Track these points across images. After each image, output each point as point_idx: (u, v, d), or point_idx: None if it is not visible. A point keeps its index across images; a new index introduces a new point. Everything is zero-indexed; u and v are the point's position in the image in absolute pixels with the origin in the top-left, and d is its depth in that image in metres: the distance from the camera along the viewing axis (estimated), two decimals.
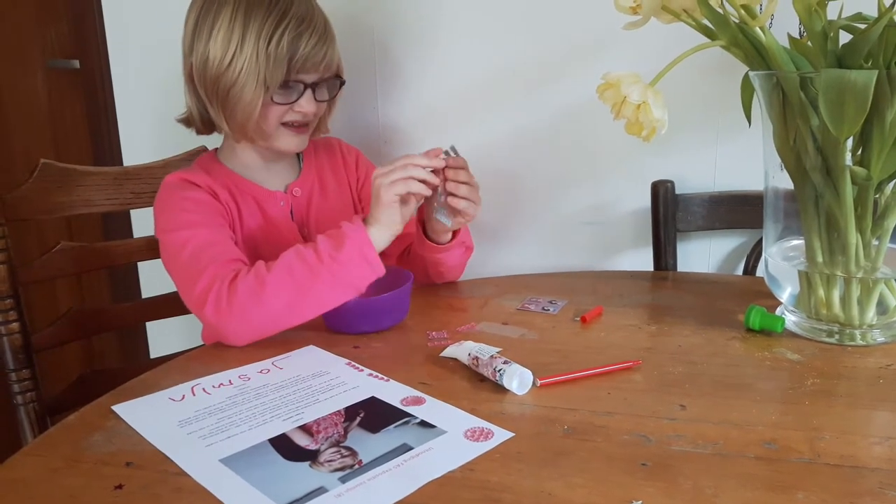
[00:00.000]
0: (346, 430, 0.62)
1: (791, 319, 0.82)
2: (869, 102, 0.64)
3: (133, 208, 1.08)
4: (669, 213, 1.12)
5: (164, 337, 1.45)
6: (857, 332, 0.78)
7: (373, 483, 0.53)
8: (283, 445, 0.59)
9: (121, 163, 1.39)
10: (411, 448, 0.58)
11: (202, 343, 0.93)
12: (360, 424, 0.63)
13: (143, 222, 1.33)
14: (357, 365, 0.75)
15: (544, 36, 1.13)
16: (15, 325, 0.94)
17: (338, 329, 0.85)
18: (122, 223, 1.45)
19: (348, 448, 0.59)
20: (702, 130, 1.11)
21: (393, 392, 0.68)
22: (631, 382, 0.70)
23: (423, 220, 0.95)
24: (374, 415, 0.64)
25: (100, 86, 1.60)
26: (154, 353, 1.50)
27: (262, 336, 0.81)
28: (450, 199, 0.87)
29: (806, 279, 0.80)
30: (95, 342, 1.76)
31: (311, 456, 0.58)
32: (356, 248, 0.81)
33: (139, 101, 1.37)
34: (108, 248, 1.07)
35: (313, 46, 0.91)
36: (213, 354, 0.80)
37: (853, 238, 0.75)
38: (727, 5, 0.73)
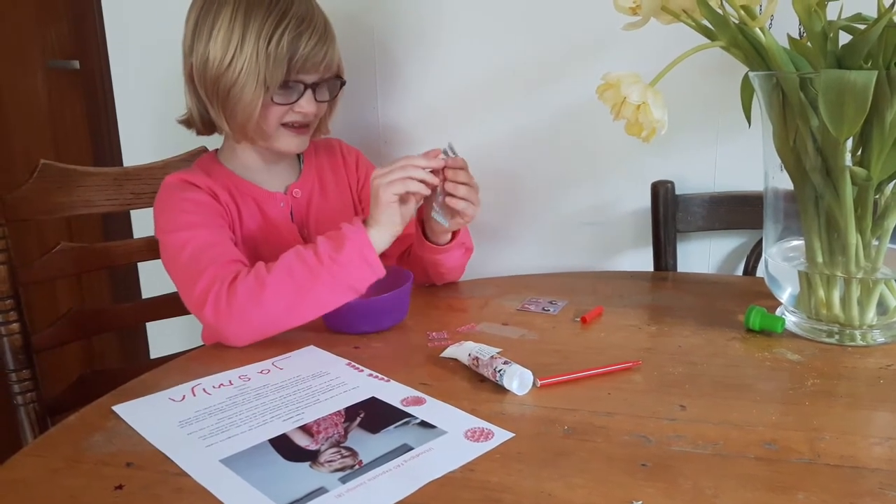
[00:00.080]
0: (346, 431, 0.62)
1: (791, 320, 0.82)
2: (868, 103, 0.64)
3: (133, 209, 1.08)
4: (669, 214, 1.12)
5: (164, 337, 1.45)
6: (858, 333, 0.78)
7: (373, 483, 0.53)
8: (284, 446, 0.59)
9: (121, 163, 1.39)
10: (411, 448, 0.58)
11: (202, 343, 0.93)
12: (361, 425, 0.63)
13: (143, 223, 1.33)
14: (357, 365, 0.75)
15: (544, 36, 1.14)
16: (15, 326, 0.94)
17: (338, 329, 0.85)
18: (122, 224, 1.45)
19: (348, 448, 0.59)
20: (702, 131, 1.11)
21: (393, 392, 0.69)
22: (631, 383, 0.70)
23: (422, 220, 0.95)
24: (375, 415, 0.64)
25: (100, 86, 1.60)
26: (154, 353, 1.50)
27: (262, 337, 0.81)
28: (448, 199, 0.87)
29: (806, 279, 0.80)
30: (96, 342, 1.76)
31: (311, 456, 0.58)
32: (356, 249, 0.81)
33: (139, 101, 1.37)
34: (108, 248, 1.07)
35: (313, 46, 0.91)
36: (214, 355, 0.80)
37: (853, 238, 0.75)
38: (727, 6, 0.73)
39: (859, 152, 0.74)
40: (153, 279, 1.39)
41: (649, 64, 0.78)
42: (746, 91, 0.85)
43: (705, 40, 0.77)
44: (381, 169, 0.86)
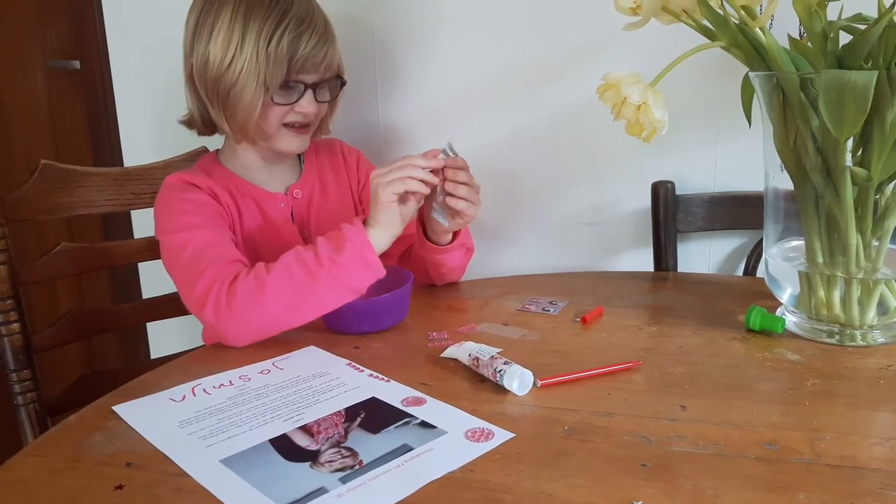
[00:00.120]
0: (346, 431, 0.62)
1: (791, 320, 0.82)
2: (869, 103, 0.64)
3: (133, 209, 1.08)
4: (670, 214, 1.12)
5: (164, 337, 1.45)
6: (858, 333, 0.78)
7: (373, 483, 0.53)
8: (284, 446, 0.59)
9: (121, 163, 1.39)
10: (412, 448, 0.58)
11: (203, 343, 0.93)
12: (361, 425, 0.63)
13: (143, 223, 1.33)
14: (357, 365, 0.75)
15: (544, 36, 1.14)
16: (15, 326, 0.94)
17: (338, 329, 0.85)
18: (122, 224, 1.45)
19: (349, 448, 0.59)
20: (702, 131, 1.11)
21: (393, 392, 0.68)
22: (631, 383, 0.70)
23: (423, 220, 0.95)
24: (375, 415, 0.64)
25: (100, 86, 1.60)
26: (154, 353, 1.50)
27: (262, 337, 0.81)
28: (448, 199, 0.87)
29: (806, 280, 0.80)
30: (96, 343, 1.76)
31: (311, 456, 0.58)
32: (356, 250, 0.81)
33: (139, 101, 1.37)
34: (108, 248, 1.07)
35: (313, 46, 0.90)
36: (214, 355, 0.80)
37: (853, 239, 0.75)
38: (727, 6, 0.73)
39: (860, 152, 0.74)
40: (153, 279, 1.39)
41: (649, 64, 0.78)
42: (747, 91, 0.85)
43: (705, 40, 0.77)
44: (380, 169, 0.85)
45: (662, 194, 1.12)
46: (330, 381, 0.71)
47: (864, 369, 0.72)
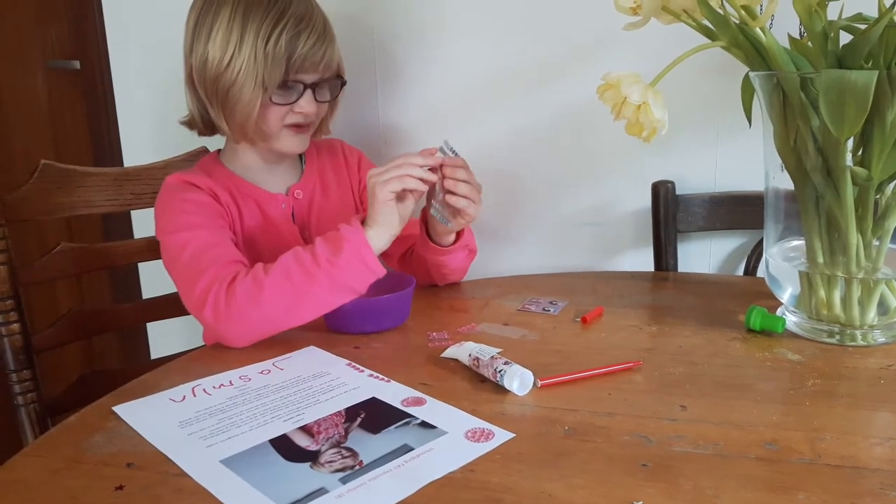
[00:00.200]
0: (346, 431, 0.62)
1: (792, 320, 0.82)
2: (869, 103, 0.64)
3: (133, 209, 1.08)
4: (670, 214, 1.12)
5: (164, 338, 1.45)
6: (858, 333, 0.78)
7: (373, 484, 0.53)
8: (284, 446, 0.59)
9: (121, 163, 1.39)
10: (412, 449, 0.58)
11: (203, 344, 0.93)
12: (361, 425, 0.63)
13: (143, 223, 1.33)
14: (357, 366, 0.75)
15: (544, 36, 1.14)
16: (15, 326, 0.94)
17: (338, 329, 0.85)
18: (122, 224, 1.45)
19: (349, 449, 0.59)
20: (702, 131, 1.11)
21: (393, 393, 0.68)
22: (631, 383, 0.70)
23: (426, 221, 0.95)
24: (375, 415, 0.64)
25: (100, 86, 1.60)
26: (155, 353, 1.50)
27: (261, 338, 0.81)
28: (449, 197, 0.86)
29: (807, 280, 0.80)
30: (96, 343, 1.76)
31: (311, 457, 0.58)
32: (354, 251, 0.81)
33: (139, 101, 1.37)
34: (108, 248, 1.07)
35: (312, 46, 0.90)
36: (214, 355, 0.80)
37: (854, 238, 0.75)
38: (727, 6, 0.73)
39: (860, 152, 0.74)
40: (153, 279, 1.39)
41: (649, 64, 0.78)
42: (747, 91, 0.85)
43: (706, 40, 0.77)
44: (376, 168, 0.85)
45: (663, 194, 1.12)
46: (330, 382, 0.71)
47: (864, 369, 0.72)
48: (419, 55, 1.20)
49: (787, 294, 0.82)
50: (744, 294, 0.94)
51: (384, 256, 0.90)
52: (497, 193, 1.18)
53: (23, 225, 0.97)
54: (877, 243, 0.76)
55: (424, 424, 0.62)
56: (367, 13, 1.20)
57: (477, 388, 0.69)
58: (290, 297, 0.80)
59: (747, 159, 1.01)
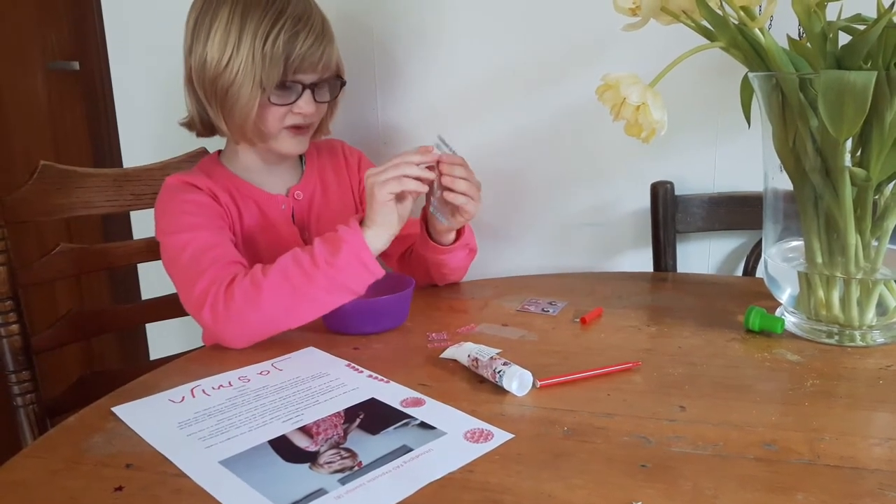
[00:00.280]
0: (345, 432, 0.62)
1: (791, 320, 0.82)
2: (868, 103, 0.64)
3: (133, 210, 1.08)
4: (669, 214, 1.12)
5: (163, 338, 1.45)
6: (857, 333, 0.78)
7: (372, 485, 0.53)
8: (283, 447, 0.59)
9: (120, 164, 1.39)
10: (411, 449, 0.58)
11: (202, 344, 0.93)
12: (360, 426, 0.63)
13: (142, 224, 1.33)
14: (357, 366, 0.75)
15: (544, 36, 1.14)
16: (15, 327, 0.94)
17: (337, 329, 0.85)
18: (121, 225, 1.45)
19: (348, 449, 0.59)
20: (701, 131, 1.11)
21: (393, 393, 0.68)
22: (631, 384, 0.70)
23: (426, 219, 0.95)
24: (374, 416, 0.64)
25: (100, 87, 1.60)
26: (154, 354, 1.50)
27: (260, 339, 0.81)
28: (447, 194, 0.86)
29: (805, 280, 0.80)
30: (95, 344, 1.76)
31: (310, 457, 0.58)
32: (353, 252, 0.81)
33: (139, 102, 1.37)
34: (107, 249, 1.07)
35: (310, 46, 0.90)
36: (213, 356, 0.80)
37: (852, 239, 0.75)
38: (726, 7, 0.73)
39: (859, 153, 0.74)
40: (153, 280, 1.39)
41: (649, 64, 0.78)
42: (746, 92, 0.85)
43: (705, 41, 0.77)
44: (374, 168, 0.85)
45: (662, 195, 1.12)
46: (329, 382, 0.71)
47: (863, 370, 0.72)
48: (419, 55, 1.20)
49: (785, 294, 0.82)
50: (743, 294, 0.94)
51: (383, 256, 0.90)
52: (496, 194, 1.18)
53: (22, 226, 0.97)
54: (875, 244, 0.76)
55: (423, 425, 0.62)
56: (367, 14, 1.20)
57: (476, 388, 0.69)
58: (289, 298, 0.80)
59: (746, 160, 1.01)
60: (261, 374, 0.74)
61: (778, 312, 0.84)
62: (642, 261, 1.18)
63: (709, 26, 0.76)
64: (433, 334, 0.83)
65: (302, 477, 0.55)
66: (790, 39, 0.80)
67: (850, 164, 0.73)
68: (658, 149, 1.00)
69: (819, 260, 0.78)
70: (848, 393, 0.67)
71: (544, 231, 1.22)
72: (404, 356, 0.78)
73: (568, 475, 0.54)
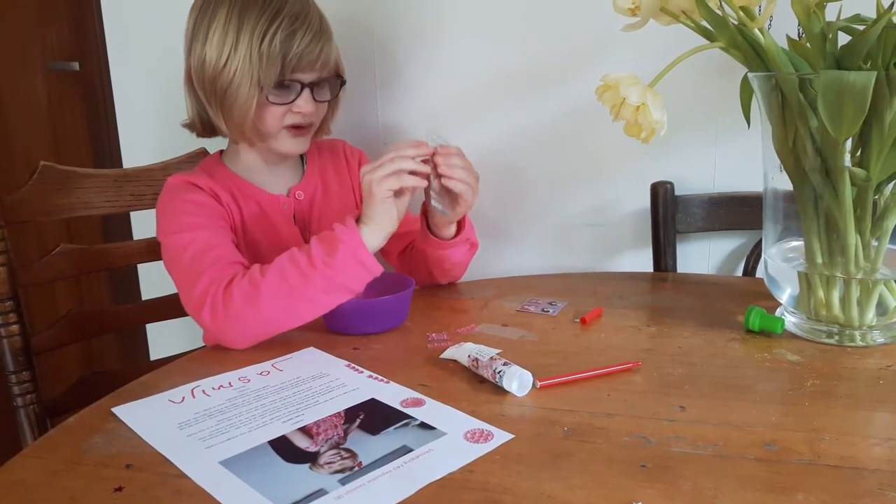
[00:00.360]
0: (345, 432, 0.62)
1: (791, 320, 0.82)
2: (868, 103, 0.64)
3: (133, 210, 1.08)
4: (669, 215, 1.12)
5: (164, 339, 1.45)
6: (857, 333, 0.78)
7: (373, 485, 0.53)
8: (283, 447, 0.59)
9: (120, 165, 1.39)
10: (411, 450, 0.58)
11: (202, 345, 0.93)
12: (360, 426, 0.63)
13: (142, 224, 1.33)
14: (357, 367, 0.75)
15: (544, 37, 1.14)
16: (15, 328, 0.94)
17: (337, 330, 0.85)
18: (121, 225, 1.45)
19: (348, 450, 0.59)
20: (701, 132, 1.11)
21: (393, 394, 0.68)
22: (631, 384, 0.70)
23: (426, 215, 0.94)
24: (374, 416, 0.64)
25: (99, 88, 1.60)
26: (154, 354, 1.50)
27: (260, 339, 0.81)
28: (446, 181, 0.85)
29: (805, 280, 0.80)
30: (95, 344, 1.76)
31: (310, 458, 0.58)
32: (350, 251, 0.81)
33: (139, 103, 1.37)
34: (107, 250, 1.07)
35: (308, 44, 0.90)
36: (213, 356, 0.80)
37: (852, 239, 0.75)
38: (726, 7, 0.74)
39: (858, 153, 0.74)
40: (153, 281, 1.39)
41: (649, 65, 0.78)
42: (745, 92, 0.85)
43: (705, 41, 0.77)
44: (370, 164, 0.84)
45: (662, 195, 1.12)
46: (329, 383, 0.71)
47: (863, 370, 0.72)
48: (419, 56, 1.20)
49: (785, 295, 0.82)
50: (743, 295, 0.94)
51: (383, 254, 0.90)
52: (496, 194, 1.18)
53: (22, 226, 0.97)
54: (875, 244, 0.76)
55: (424, 425, 0.62)
56: (367, 14, 1.20)
57: (476, 388, 0.69)
58: (287, 298, 0.80)
59: (746, 160, 1.01)
60: (261, 374, 0.74)
61: (778, 312, 0.84)
62: (642, 261, 1.18)
63: (708, 26, 0.76)
64: (433, 334, 0.83)
65: (302, 477, 0.55)
66: (790, 39, 0.80)
67: (849, 164, 0.73)
68: (658, 149, 1.01)
69: (819, 260, 0.78)
70: (848, 393, 0.67)
71: (544, 231, 1.22)
72: (404, 356, 0.78)
73: (568, 475, 0.54)
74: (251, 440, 0.61)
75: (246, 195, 0.97)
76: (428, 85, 1.21)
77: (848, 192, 0.73)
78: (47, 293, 1.72)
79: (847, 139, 0.70)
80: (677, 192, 1.13)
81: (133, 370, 0.88)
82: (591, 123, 1.13)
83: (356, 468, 0.56)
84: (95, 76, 1.61)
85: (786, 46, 0.78)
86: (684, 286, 1.04)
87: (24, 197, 0.96)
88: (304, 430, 0.62)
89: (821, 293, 0.79)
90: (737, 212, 1.12)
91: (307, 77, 0.93)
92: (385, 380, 0.72)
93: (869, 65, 0.70)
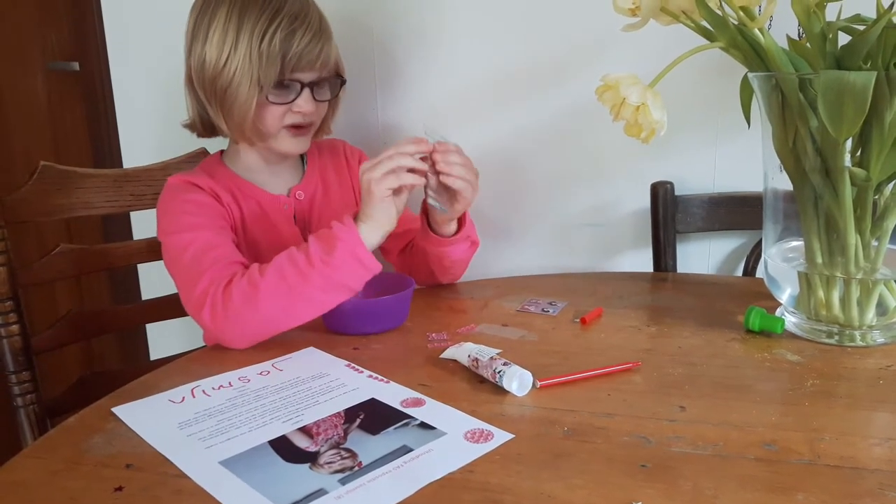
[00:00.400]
0: (345, 432, 0.62)
1: (791, 320, 0.82)
2: (868, 103, 0.64)
3: (133, 210, 1.08)
4: (669, 215, 1.12)
5: (164, 339, 1.45)
6: (857, 333, 0.78)
7: (373, 485, 0.53)
8: (283, 447, 0.59)
9: (120, 165, 1.39)
10: (411, 450, 0.58)
11: (202, 345, 0.93)
12: (360, 426, 0.63)
13: (142, 224, 1.33)
14: (357, 366, 0.75)
15: (544, 37, 1.14)
16: (15, 328, 0.94)
17: (337, 330, 0.85)
18: (121, 225, 1.45)
19: (348, 450, 0.59)
20: (701, 132, 1.11)
21: (393, 394, 0.68)
22: (631, 384, 0.70)
23: (427, 212, 0.94)
24: (374, 416, 0.64)
25: (100, 88, 1.60)
26: (154, 354, 1.50)
27: (260, 339, 0.81)
28: (444, 178, 0.85)
29: (805, 280, 0.80)
30: (95, 344, 1.76)
31: (310, 458, 0.58)
32: (348, 250, 0.80)
33: (139, 103, 1.37)
34: (107, 250, 1.07)
35: (307, 44, 0.90)
36: (213, 356, 0.80)
37: (852, 239, 0.75)
38: (726, 7, 0.74)
39: (858, 153, 0.74)
40: (153, 281, 1.39)
41: (649, 65, 0.78)
42: (746, 92, 0.85)
43: (705, 41, 0.77)
44: (369, 162, 0.83)
45: (662, 195, 1.12)
46: (329, 383, 0.71)
47: (863, 370, 0.72)
48: (419, 55, 1.20)
49: (785, 295, 0.82)
50: (743, 295, 0.94)
51: (383, 252, 0.90)
52: (497, 194, 1.18)
53: (22, 226, 0.97)
54: (875, 244, 0.76)
55: (424, 425, 0.62)
56: (367, 14, 1.20)
57: (476, 388, 0.69)
58: (286, 297, 0.80)
59: (746, 160, 1.01)
60: (261, 374, 0.74)
61: (778, 312, 0.84)
62: (642, 261, 1.18)
63: (708, 27, 0.76)
64: (433, 334, 0.83)
65: (302, 477, 0.55)
66: (790, 39, 0.80)
67: (849, 164, 0.73)
68: (658, 149, 1.01)
69: (819, 260, 0.78)
70: (848, 393, 0.67)
71: (544, 231, 1.22)
72: (404, 356, 0.78)
73: (568, 475, 0.54)
74: (251, 440, 0.61)
75: (246, 195, 0.97)
76: (428, 85, 1.21)
77: (848, 192, 0.73)
78: (47, 293, 1.72)
79: (847, 139, 0.70)
80: (677, 192, 1.13)
81: (133, 370, 0.88)
82: (591, 123, 1.13)
83: (356, 468, 0.56)
84: (95, 76, 1.61)
85: (786, 46, 0.78)
86: (684, 286, 1.04)
87: (24, 197, 0.96)
88: (304, 430, 0.62)
89: (821, 293, 0.79)
90: (737, 212, 1.12)
91: (307, 76, 0.93)
92: (385, 380, 0.72)
93: (869, 65, 0.70)
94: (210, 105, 0.93)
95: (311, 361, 0.77)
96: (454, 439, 0.60)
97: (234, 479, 0.55)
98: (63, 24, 1.64)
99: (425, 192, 0.88)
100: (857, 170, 0.73)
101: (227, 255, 0.86)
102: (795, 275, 0.81)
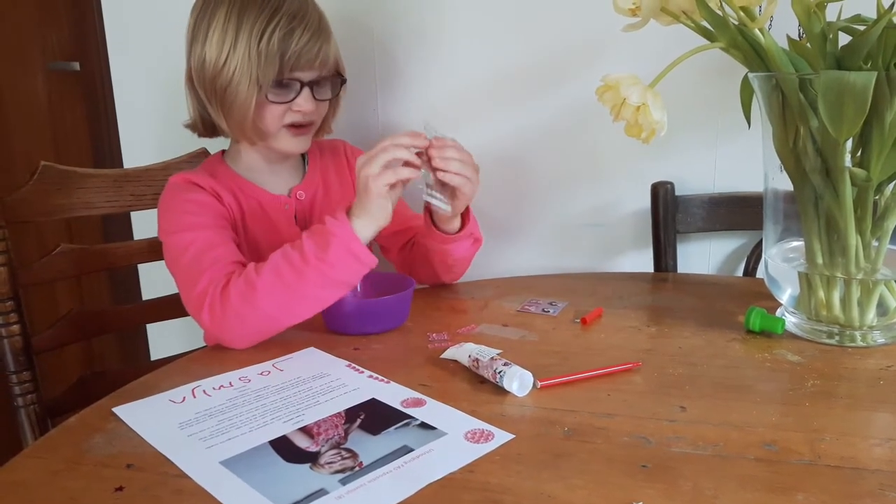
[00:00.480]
0: (346, 432, 0.62)
1: (791, 321, 0.82)
2: (868, 104, 0.64)
3: (133, 210, 1.08)
4: (669, 215, 1.12)
5: (164, 339, 1.45)
6: (858, 334, 0.78)
7: (373, 485, 0.53)
8: (284, 447, 0.59)
9: (121, 165, 1.39)
10: (412, 450, 0.58)
11: (203, 345, 0.93)
12: (361, 426, 0.63)
13: (143, 224, 1.33)
14: (357, 367, 0.75)
15: (544, 37, 1.14)
16: (15, 328, 0.94)
17: (337, 330, 0.85)
18: (122, 225, 1.45)
19: (349, 450, 0.59)
20: (701, 132, 1.11)
21: (393, 394, 0.68)
22: (631, 384, 0.70)
23: (429, 209, 0.94)
24: (375, 416, 0.64)
25: (100, 88, 1.60)
26: (154, 354, 1.50)
27: (260, 338, 0.81)
28: (441, 175, 0.84)
29: (806, 281, 0.80)
30: (96, 344, 1.76)
31: (311, 458, 0.58)
32: (343, 246, 0.80)
33: (139, 103, 1.38)
34: (108, 250, 1.07)
35: (306, 42, 0.90)
36: (214, 356, 0.80)
37: (853, 239, 0.75)
38: (726, 7, 0.74)
39: (859, 153, 0.74)
40: (153, 280, 1.39)
41: (649, 65, 0.78)
42: (746, 92, 0.85)
43: (705, 41, 0.77)
44: (364, 156, 0.82)
45: (662, 195, 1.12)
46: (330, 383, 0.72)
47: (863, 370, 0.72)
48: (419, 55, 1.20)
49: (786, 295, 0.83)
50: (743, 295, 0.94)
51: (383, 251, 0.89)
52: (497, 194, 1.18)
53: (22, 226, 0.97)
54: (876, 244, 0.76)
55: (424, 425, 0.62)
56: (367, 14, 1.20)
57: (476, 389, 0.69)
58: (283, 295, 0.79)
59: (746, 160, 1.01)
60: (261, 374, 0.74)
61: (778, 313, 0.84)
62: (643, 261, 1.18)
63: (709, 27, 0.76)
64: (433, 335, 0.83)
65: (303, 477, 0.55)
66: (790, 40, 0.80)
67: (850, 165, 0.73)
68: (658, 149, 1.01)
69: (819, 260, 0.78)
70: (848, 393, 0.67)
71: (544, 231, 1.22)
72: (405, 356, 0.78)
73: (568, 475, 0.54)
74: (252, 440, 0.61)
75: (247, 195, 0.97)
76: (428, 85, 1.21)
77: (848, 193, 0.73)
78: (48, 293, 1.72)
79: (847, 139, 0.70)
80: (677, 193, 1.13)
81: (133, 370, 0.88)
82: (592, 124, 1.13)
83: (357, 468, 0.56)
84: (96, 76, 1.61)
85: (786, 46, 0.78)
86: (685, 286, 1.04)
87: (25, 197, 0.96)
88: (305, 430, 0.62)
89: (821, 293, 0.79)
90: (737, 212, 1.12)
91: (306, 75, 0.93)
92: (385, 380, 0.72)
93: (869, 65, 0.70)
94: (210, 105, 0.93)
95: (312, 361, 0.77)
96: (454, 439, 0.60)
97: (235, 479, 0.55)
98: (63, 23, 1.64)
99: (424, 191, 0.88)
100: (857, 170, 0.73)
101: (227, 255, 0.86)
102: (796, 275, 0.81)
